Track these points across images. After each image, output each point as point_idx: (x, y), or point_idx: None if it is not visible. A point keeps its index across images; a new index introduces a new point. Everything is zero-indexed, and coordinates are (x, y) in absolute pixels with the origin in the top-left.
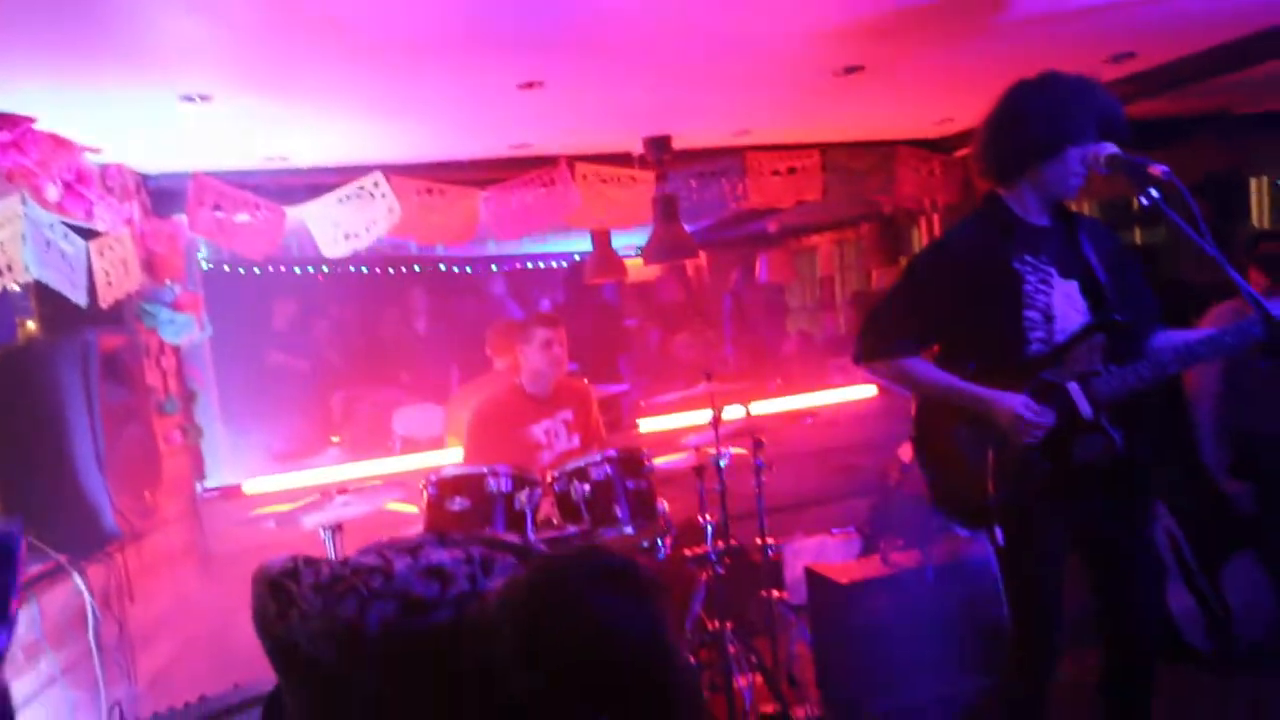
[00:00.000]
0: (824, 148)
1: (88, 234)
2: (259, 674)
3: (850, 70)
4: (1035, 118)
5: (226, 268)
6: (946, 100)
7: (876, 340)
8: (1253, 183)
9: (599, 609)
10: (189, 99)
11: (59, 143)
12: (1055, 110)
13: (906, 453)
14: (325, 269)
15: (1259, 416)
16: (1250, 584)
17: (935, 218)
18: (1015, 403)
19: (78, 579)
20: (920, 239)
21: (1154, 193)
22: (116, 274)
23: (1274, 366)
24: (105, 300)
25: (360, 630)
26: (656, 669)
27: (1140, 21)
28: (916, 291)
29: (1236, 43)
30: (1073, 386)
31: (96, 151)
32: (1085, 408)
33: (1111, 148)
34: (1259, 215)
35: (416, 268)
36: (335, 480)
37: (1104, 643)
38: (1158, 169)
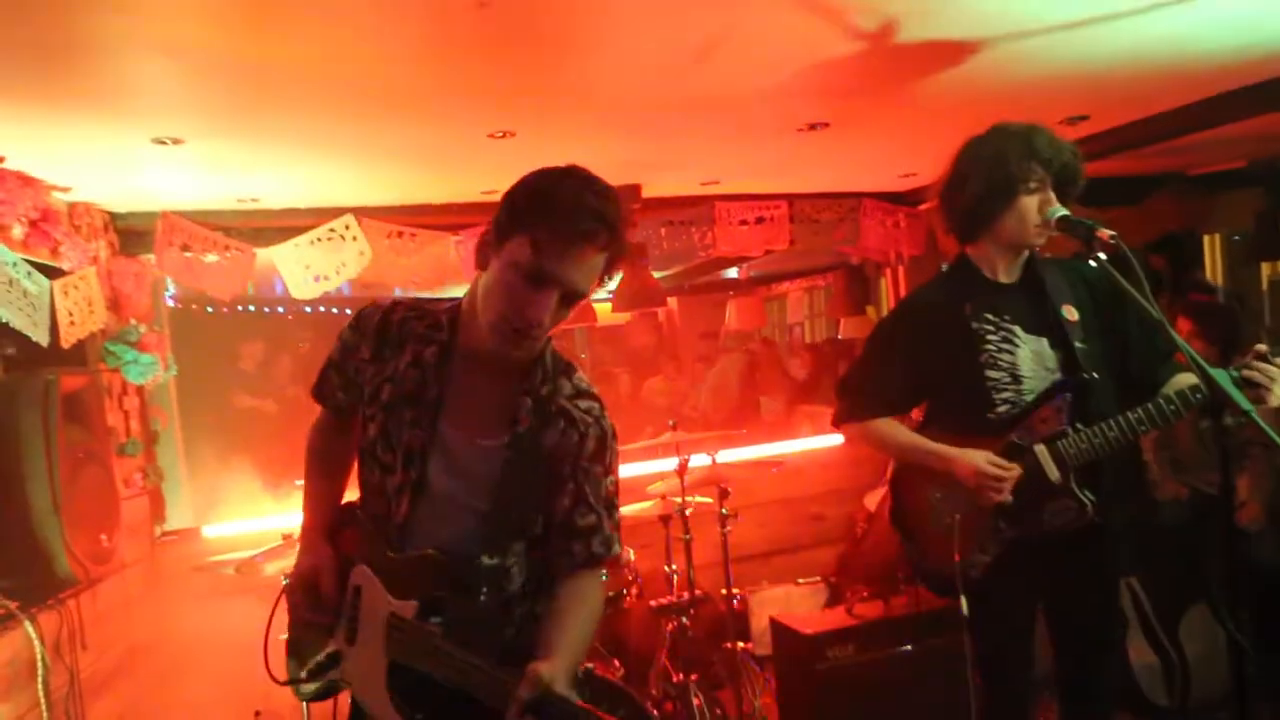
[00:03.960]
0: (791, 198)
1: (52, 272)
2: None
3: (815, 126)
4: (978, 171)
5: (194, 306)
6: (910, 156)
7: (847, 404)
8: (1207, 240)
9: None
10: (161, 141)
11: (26, 181)
12: (995, 160)
13: (872, 502)
14: (306, 309)
15: (1193, 478)
16: (1205, 636)
17: (901, 269)
18: (977, 459)
19: (28, 627)
20: (887, 289)
21: (1102, 256)
22: (80, 314)
23: (1209, 428)
24: (67, 340)
25: None
26: None
27: (1093, 86)
28: (879, 355)
29: (1188, 108)
30: (1040, 449)
31: (65, 191)
32: (1052, 470)
33: (1061, 210)
34: (1212, 271)
35: None
36: (298, 526)
37: (1061, 701)
38: (1105, 233)
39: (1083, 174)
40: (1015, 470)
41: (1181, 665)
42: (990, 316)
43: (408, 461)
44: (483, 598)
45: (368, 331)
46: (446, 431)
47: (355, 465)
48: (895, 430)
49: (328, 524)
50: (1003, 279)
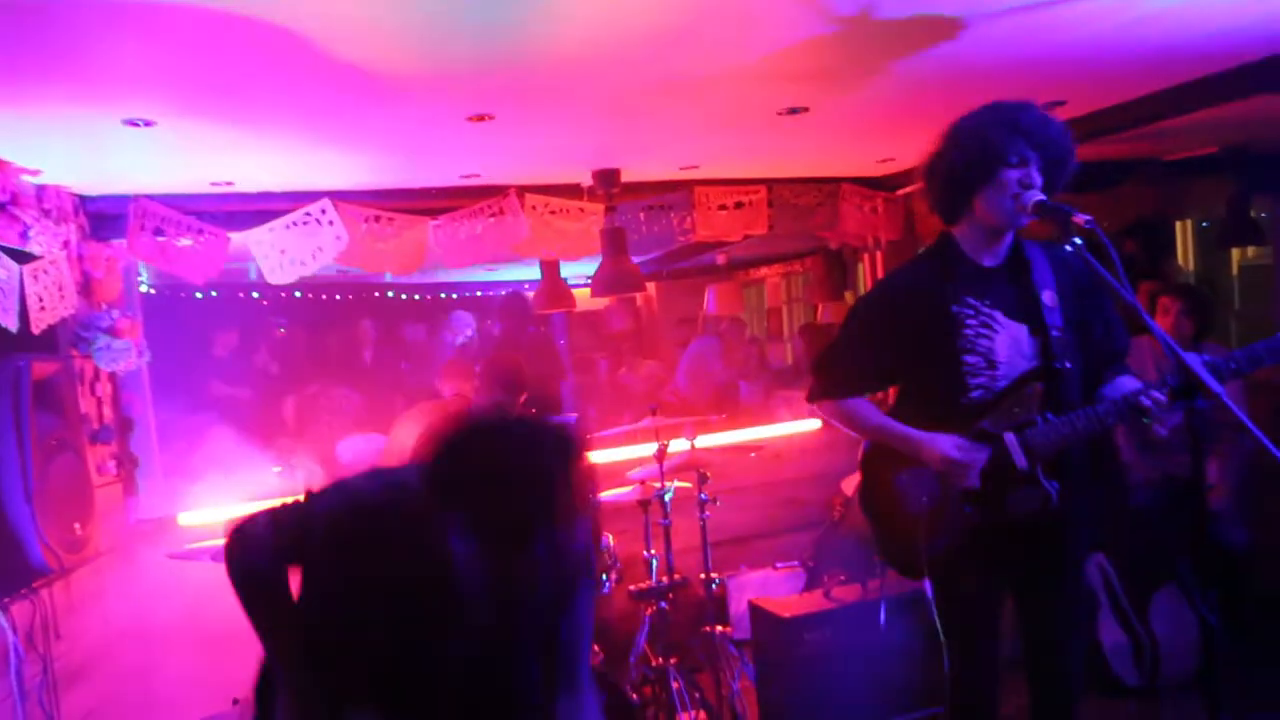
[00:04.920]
0: (770, 183)
1: (21, 256)
2: (188, 715)
3: (794, 111)
4: (961, 144)
5: (169, 291)
6: (888, 141)
7: (822, 381)
8: (1178, 225)
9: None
10: (133, 123)
11: None
12: (975, 134)
13: (849, 486)
14: (282, 294)
15: (1165, 461)
16: (1175, 615)
17: (879, 254)
18: (945, 444)
19: (0, 617)
20: (865, 274)
21: (1077, 240)
22: (50, 298)
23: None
24: (38, 325)
25: (306, 519)
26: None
27: (1070, 71)
28: (856, 333)
29: (1162, 93)
30: (1009, 437)
31: (34, 173)
32: (1020, 459)
33: (1038, 195)
34: (1184, 256)
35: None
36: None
37: (1030, 680)
38: (1081, 218)
39: (1071, 154)
40: (981, 456)
41: (1151, 644)
42: (971, 300)
43: None
44: None
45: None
46: None
47: None
48: (868, 411)
49: None
50: (986, 262)
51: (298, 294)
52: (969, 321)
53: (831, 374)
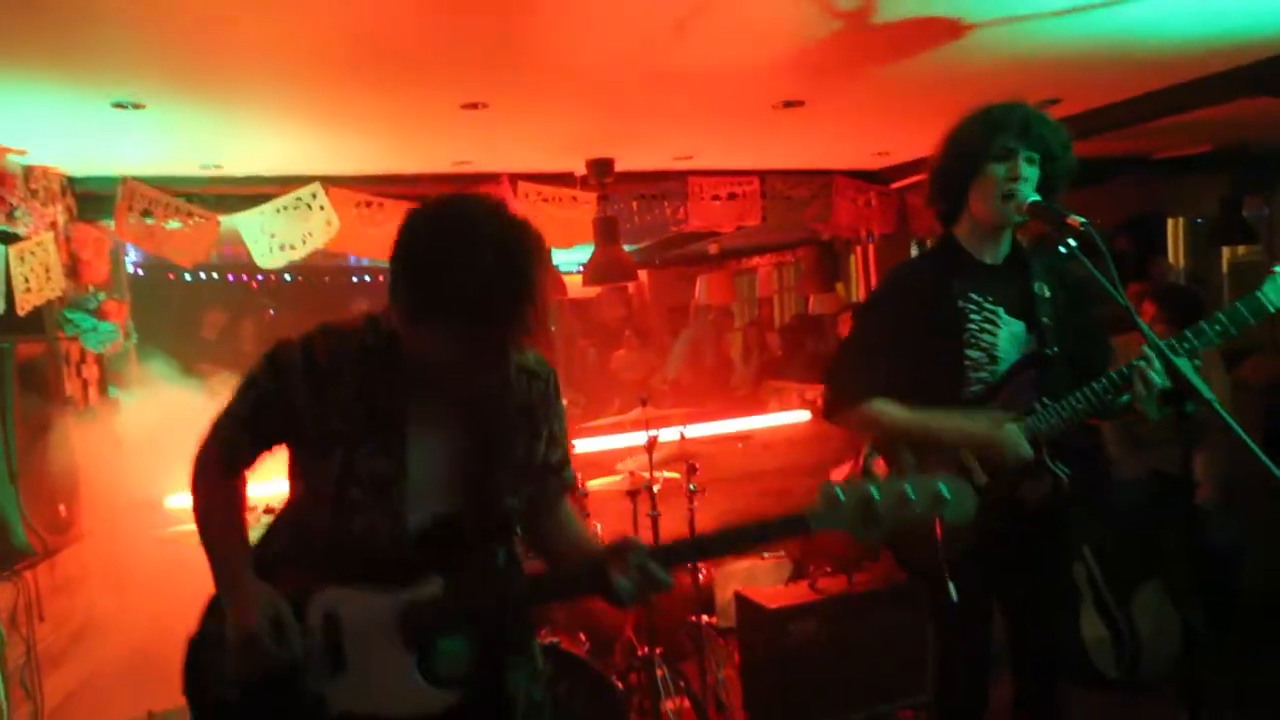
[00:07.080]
0: (764, 175)
1: (7, 237)
2: (175, 699)
3: (790, 104)
4: (949, 145)
5: (158, 273)
6: (883, 135)
7: (838, 390)
8: (1170, 223)
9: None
10: (122, 105)
11: None
12: (962, 132)
13: (838, 478)
14: (272, 276)
15: (1151, 456)
16: (1157, 611)
17: (871, 246)
18: (1010, 431)
19: None
20: (856, 265)
21: (1072, 242)
22: (37, 280)
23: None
24: (23, 307)
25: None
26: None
27: (1065, 70)
28: (866, 331)
29: (1156, 93)
30: (1009, 428)
31: (20, 153)
32: (1025, 447)
33: (1033, 195)
34: (1175, 254)
35: (355, 278)
36: (262, 497)
37: (1014, 672)
38: (1076, 220)
39: (1064, 149)
40: (1026, 448)
41: (1132, 639)
42: (975, 296)
43: (379, 491)
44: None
45: (293, 375)
46: (416, 444)
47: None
48: (893, 408)
49: (251, 571)
50: (987, 260)
51: (288, 277)
52: (973, 316)
53: (845, 381)
